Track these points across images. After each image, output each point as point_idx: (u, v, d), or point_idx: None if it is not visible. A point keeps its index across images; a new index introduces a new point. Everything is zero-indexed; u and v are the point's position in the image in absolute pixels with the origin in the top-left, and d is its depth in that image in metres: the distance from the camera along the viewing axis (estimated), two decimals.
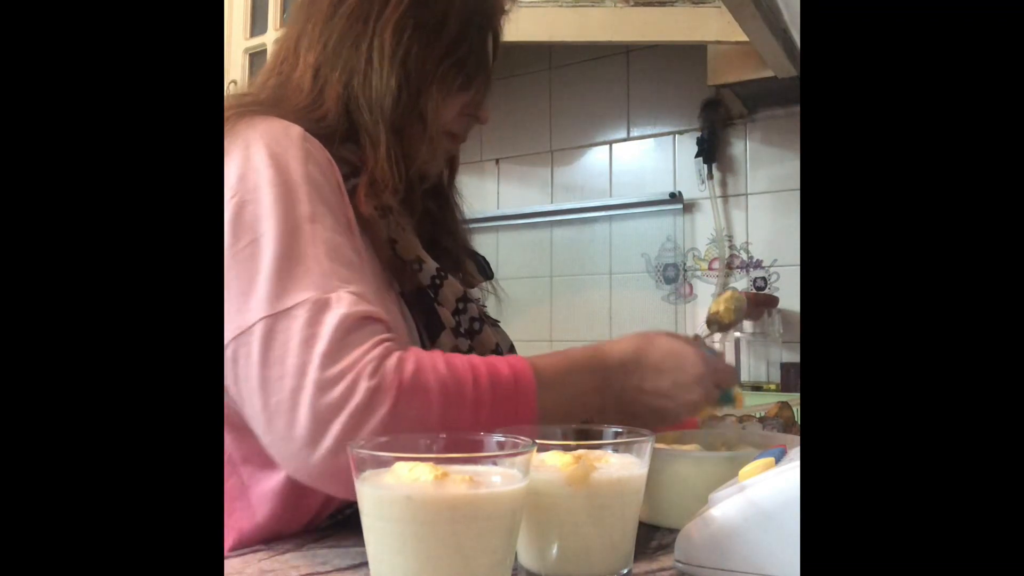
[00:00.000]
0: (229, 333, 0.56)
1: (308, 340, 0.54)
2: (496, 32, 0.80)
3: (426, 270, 0.71)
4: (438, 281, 0.72)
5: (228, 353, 0.55)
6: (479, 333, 0.76)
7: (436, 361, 0.57)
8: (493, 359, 0.60)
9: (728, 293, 0.80)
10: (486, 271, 0.88)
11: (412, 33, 0.71)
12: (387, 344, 0.56)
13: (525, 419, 0.58)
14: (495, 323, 0.81)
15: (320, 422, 0.52)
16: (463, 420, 0.55)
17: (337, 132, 0.69)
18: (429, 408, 0.54)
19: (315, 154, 0.64)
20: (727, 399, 0.73)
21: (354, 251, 0.62)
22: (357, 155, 0.70)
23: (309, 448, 0.53)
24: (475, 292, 0.84)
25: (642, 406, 0.66)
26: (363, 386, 0.53)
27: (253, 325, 0.55)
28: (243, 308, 0.56)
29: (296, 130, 0.64)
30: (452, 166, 0.86)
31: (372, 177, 0.68)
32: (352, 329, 0.55)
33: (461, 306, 0.74)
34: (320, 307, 0.55)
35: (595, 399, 0.64)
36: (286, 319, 0.54)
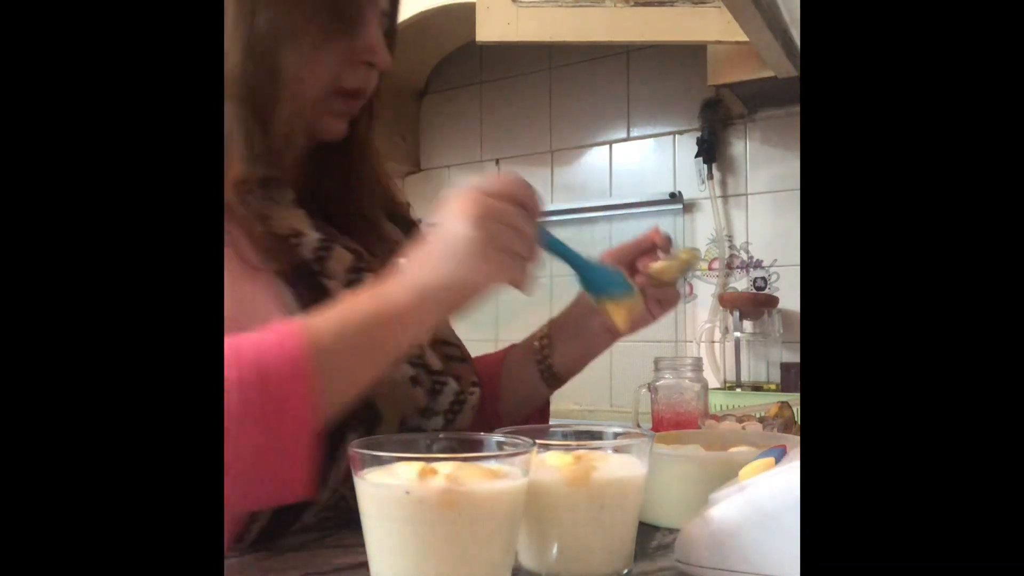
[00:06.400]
0: None
1: None
2: None
3: (306, 243, 0.64)
4: (323, 253, 0.65)
5: None
6: None
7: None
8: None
9: (684, 255, 0.74)
10: (406, 225, 0.80)
11: None
12: None
13: (298, 391, 0.48)
14: None
15: None
16: (231, 398, 0.46)
17: None
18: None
19: None
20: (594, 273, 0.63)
21: None
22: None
23: None
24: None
25: (437, 283, 0.54)
26: None
27: None
28: None
29: None
30: (370, 114, 0.76)
31: (230, 155, 0.61)
32: None
33: (355, 277, 0.66)
34: None
35: (395, 326, 0.54)
36: None
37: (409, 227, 0.81)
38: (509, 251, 0.55)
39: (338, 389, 0.53)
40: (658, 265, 0.73)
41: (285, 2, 0.64)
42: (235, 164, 0.62)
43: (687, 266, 0.74)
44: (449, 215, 0.55)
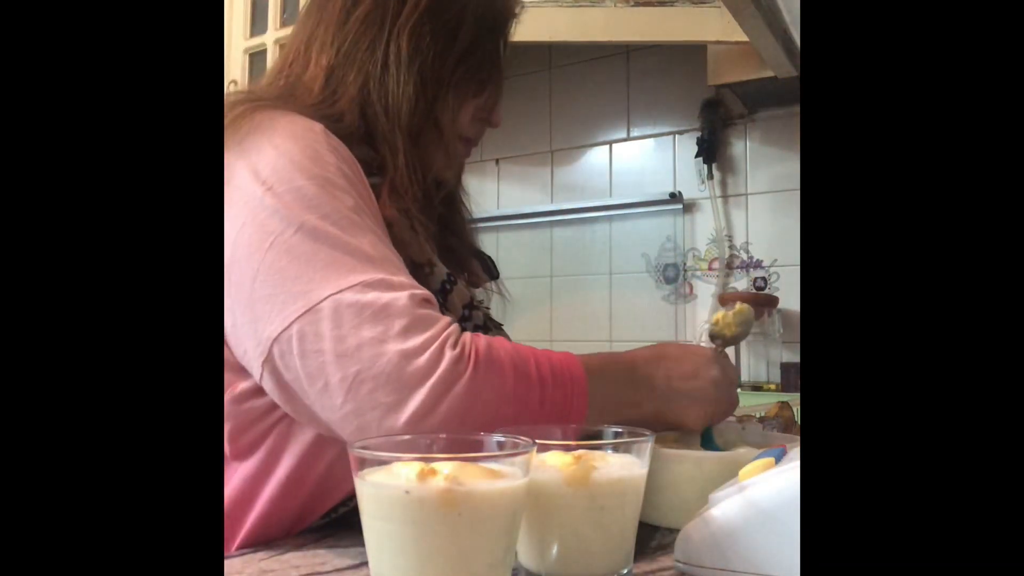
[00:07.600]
0: (289, 315, 0.56)
1: (383, 313, 0.55)
2: (506, 37, 0.81)
3: (437, 275, 0.71)
4: (448, 287, 0.72)
5: (292, 332, 0.55)
6: None
7: (501, 341, 0.59)
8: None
9: (737, 307, 0.76)
10: (491, 271, 0.88)
11: (428, 39, 0.72)
12: (455, 322, 0.58)
13: (578, 408, 0.59)
14: (499, 326, 0.82)
15: (406, 389, 0.53)
16: (531, 399, 0.57)
17: (354, 133, 0.69)
18: (504, 380, 0.56)
19: (340, 150, 0.64)
20: (708, 438, 0.70)
21: (391, 246, 0.63)
22: (372, 157, 0.70)
23: (392, 415, 0.53)
24: (479, 293, 0.84)
25: (675, 392, 0.67)
26: (448, 355, 0.54)
27: (321, 302, 0.55)
28: (303, 290, 0.56)
29: (318, 126, 0.65)
30: (460, 167, 0.87)
31: (392, 183, 0.69)
32: (422, 305, 0.57)
33: (467, 313, 0.74)
34: (387, 285, 0.56)
35: (633, 394, 0.65)
36: (356, 295, 0.55)
37: (487, 265, 0.90)
38: (721, 398, 0.69)
39: (594, 413, 0.62)
40: (716, 317, 0.76)
41: (447, 60, 0.73)
42: (402, 197, 0.69)
43: (743, 317, 0.75)
44: (697, 349, 0.71)
